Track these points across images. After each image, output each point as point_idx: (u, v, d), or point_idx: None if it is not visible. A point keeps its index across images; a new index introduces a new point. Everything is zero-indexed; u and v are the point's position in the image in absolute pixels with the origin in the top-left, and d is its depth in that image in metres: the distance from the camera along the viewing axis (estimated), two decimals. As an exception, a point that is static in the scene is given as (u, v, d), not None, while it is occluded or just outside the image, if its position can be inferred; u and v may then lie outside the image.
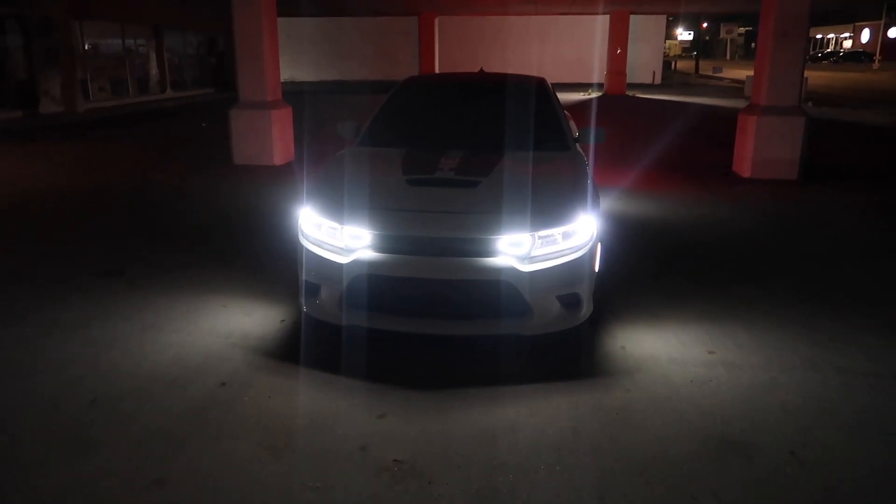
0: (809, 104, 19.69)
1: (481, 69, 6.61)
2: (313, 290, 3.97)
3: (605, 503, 2.71)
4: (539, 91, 5.47)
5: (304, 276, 4.00)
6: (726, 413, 3.34)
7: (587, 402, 3.43)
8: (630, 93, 26.25)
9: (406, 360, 3.88)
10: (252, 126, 10.17)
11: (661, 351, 3.99)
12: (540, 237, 3.70)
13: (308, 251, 3.94)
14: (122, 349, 4.00)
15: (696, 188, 8.61)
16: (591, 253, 3.88)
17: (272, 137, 10.19)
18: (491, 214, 3.74)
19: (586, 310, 3.90)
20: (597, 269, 4.05)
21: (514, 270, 3.63)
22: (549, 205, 3.85)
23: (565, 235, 3.76)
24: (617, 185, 8.52)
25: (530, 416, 3.30)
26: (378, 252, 3.72)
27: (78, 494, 2.75)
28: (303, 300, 4.07)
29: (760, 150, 9.12)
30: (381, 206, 3.86)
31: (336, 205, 3.91)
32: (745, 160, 9.33)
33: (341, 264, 3.75)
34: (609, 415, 3.32)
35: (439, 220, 3.76)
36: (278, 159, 10.30)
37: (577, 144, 5.06)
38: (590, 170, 4.70)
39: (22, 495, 2.75)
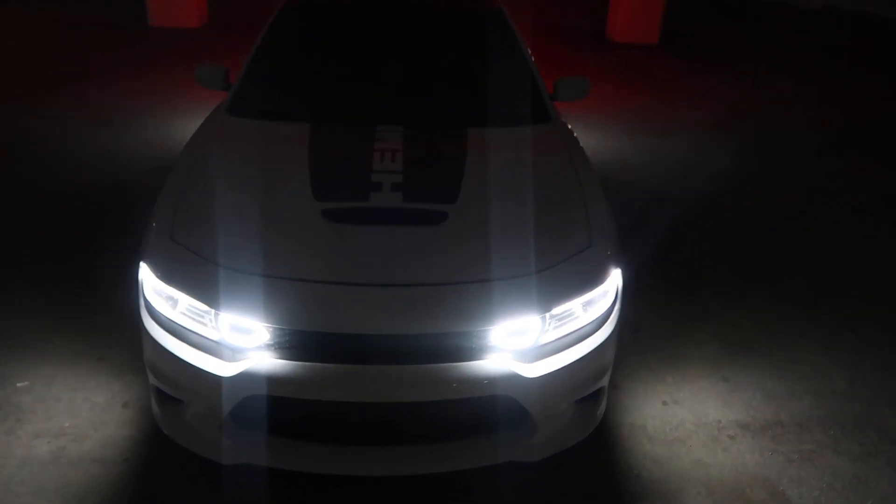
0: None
1: None
2: (173, 403, 2.43)
3: None
4: (496, 24, 3.76)
5: (153, 380, 2.44)
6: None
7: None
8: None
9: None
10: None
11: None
12: (553, 316, 2.31)
13: (157, 344, 2.34)
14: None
15: (576, 52, 10.15)
16: (618, 316, 2.55)
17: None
18: (475, 284, 2.27)
19: (604, 404, 2.67)
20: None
21: (514, 377, 2.25)
22: (559, 252, 2.44)
23: (588, 305, 2.39)
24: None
25: None
26: (284, 358, 2.20)
27: None
28: (157, 413, 2.53)
29: (628, 18, 10.85)
30: (284, 275, 2.26)
31: (203, 267, 2.29)
32: (616, 28, 11.04)
33: (220, 377, 2.21)
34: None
35: (388, 301, 2.22)
36: (196, 21, 10.75)
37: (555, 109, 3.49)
38: (587, 158, 3.14)
39: None
